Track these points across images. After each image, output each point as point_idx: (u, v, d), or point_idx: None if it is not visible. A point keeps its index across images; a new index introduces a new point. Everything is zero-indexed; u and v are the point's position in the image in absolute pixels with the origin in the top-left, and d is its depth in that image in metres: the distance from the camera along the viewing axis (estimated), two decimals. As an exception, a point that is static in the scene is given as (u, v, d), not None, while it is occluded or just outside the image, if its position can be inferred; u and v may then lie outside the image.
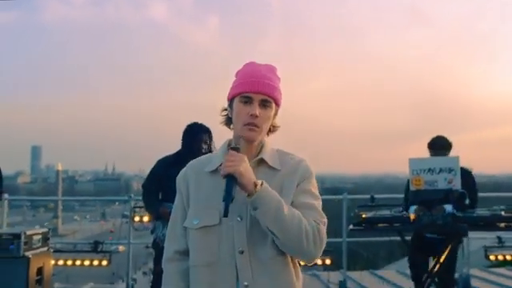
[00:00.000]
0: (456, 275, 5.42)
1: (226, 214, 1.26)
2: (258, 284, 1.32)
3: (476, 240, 5.85)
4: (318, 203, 1.41)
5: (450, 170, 3.26)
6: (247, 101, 1.38)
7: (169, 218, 3.05)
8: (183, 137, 3.55)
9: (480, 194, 3.82)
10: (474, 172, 3.96)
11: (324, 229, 1.36)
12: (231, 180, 1.29)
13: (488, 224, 3.31)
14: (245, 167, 1.30)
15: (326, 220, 1.39)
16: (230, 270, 1.33)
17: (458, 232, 3.36)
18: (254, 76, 1.40)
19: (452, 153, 3.68)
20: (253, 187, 1.30)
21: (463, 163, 3.42)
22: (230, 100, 1.43)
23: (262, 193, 1.30)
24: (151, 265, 5.18)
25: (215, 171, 1.40)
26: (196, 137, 3.44)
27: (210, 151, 3.36)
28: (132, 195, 5.13)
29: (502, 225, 3.24)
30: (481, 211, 3.37)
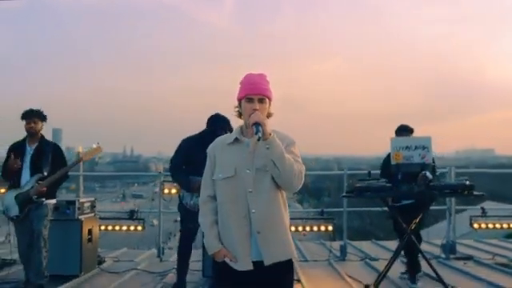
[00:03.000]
0: (444, 241, 6.19)
1: (259, 139, 2.04)
2: (260, 211, 2.11)
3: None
4: (299, 158, 2.17)
5: (424, 148, 3.99)
6: (250, 100, 2.17)
7: (198, 191, 3.86)
8: (210, 122, 4.32)
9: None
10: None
11: (303, 170, 2.15)
12: (258, 125, 2.05)
13: (454, 191, 4.05)
14: (266, 121, 2.09)
15: (304, 167, 2.17)
16: (244, 203, 2.12)
17: (431, 197, 4.11)
18: (252, 83, 2.19)
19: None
20: (268, 134, 2.06)
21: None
22: (239, 101, 2.22)
23: (274, 138, 2.07)
24: (171, 244, 6.06)
25: (232, 143, 2.20)
26: (220, 126, 4.19)
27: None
28: (161, 171, 5.94)
29: (466, 192, 3.96)
30: (449, 181, 4.10)
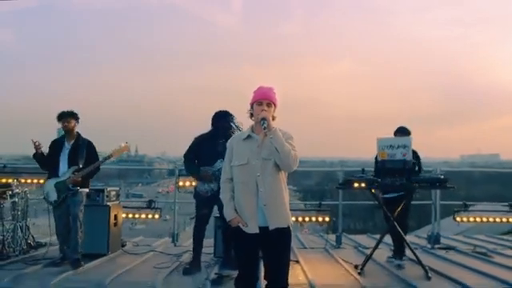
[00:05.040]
0: (429, 233, 6.86)
1: (265, 129, 2.78)
2: (266, 189, 2.81)
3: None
4: (295, 148, 2.87)
5: (405, 147, 4.67)
6: (260, 104, 2.89)
7: (209, 179, 4.58)
8: (214, 120, 4.97)
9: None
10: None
11: (298, 157, 2.85)
12: (264, 120, 2.79)
13: (431, 184, 4.74)
14: (271, 118, 2.83)
15: (298, 156, 2.86)
16: (254, 184, 2.83)
17: (410, 189, 4.79)
18: (263, 92, 2.94)
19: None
20: (272, 127, 2.78)
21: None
22: (252, 105, 2.93)
23: (276, 130, 2.81)
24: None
25: (245, 139, 2.92)
26: (224, 119, 4.90)
27: (232, 126, 4.88)
28: (176, 165, 6.64)
29: (440, 185, 4.65)
30: (427, 175, 4.78)
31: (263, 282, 3.00)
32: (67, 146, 5.10)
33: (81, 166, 5.00)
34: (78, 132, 5.17)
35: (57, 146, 5.14)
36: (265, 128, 2.79)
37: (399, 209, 4.90)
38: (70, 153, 5.04)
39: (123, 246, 6.09)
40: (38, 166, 5.32)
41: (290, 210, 3.01)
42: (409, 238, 7.04)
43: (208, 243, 5.46)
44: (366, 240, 7.51)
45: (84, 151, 5.04)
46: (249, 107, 2.98)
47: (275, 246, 2.86)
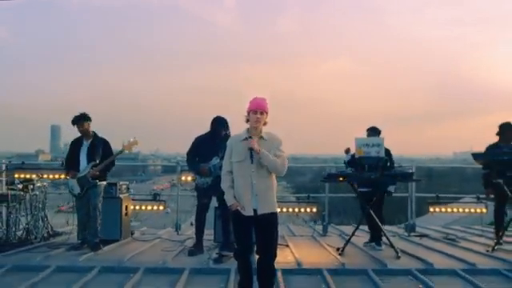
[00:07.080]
0: (406, 222, 7.64)
1: (252, 162, 3.52)
2: (259, 182, 3.54)
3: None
4: (283, 153, 3.62)
5: (378, 145, 5.44)
6: (255, 112, 3.61)
7: (206, 174, 5.34)
8: (213, 124, 5.69)
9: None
10: None
11: (286, 162, 3.61)
12: (251, 149, 3.50)
13: (402, 178, 5.52)
14: (258, 145, 3.53)
15: (287, 159, 3.61)
16: (249, 177, 3.56)
17: (384, 183, 5.57)
18: (257, 102, 3.64)
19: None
20: (258, 151, 3.49)
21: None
22: (248, 112, 3.64)
23: (263, 152, 3.51)
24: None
25: (243, 140, 3.63)
26: (221, 125, 5.63)
27: (227, 134, 5.58)
28: (179, 161, 7.36)
29: (408, 178, 5.43)
30: (398, 170, 5.55)
31: (256, 256, 3.74)
32: (86, 144, 5.81)
33: (97, 161, 5.71)
34: (94, 132, 5.88)
35: (76, 144, 5.87)
36: (252, 160, 3.51)
37: (374, 199, 5.68)
38: (89, 150, 5.76)
39: (132, 234, 6.81)
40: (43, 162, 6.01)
41: (284, 202, 3.76)
42: (389, 227, 7.85)
43: (209, 232, 6.21)
44: (351, 229, 8.19)
45: (100, 149, 5.76)
46: (245, 113, 3.68)
47: (265, 227, 3.61)
